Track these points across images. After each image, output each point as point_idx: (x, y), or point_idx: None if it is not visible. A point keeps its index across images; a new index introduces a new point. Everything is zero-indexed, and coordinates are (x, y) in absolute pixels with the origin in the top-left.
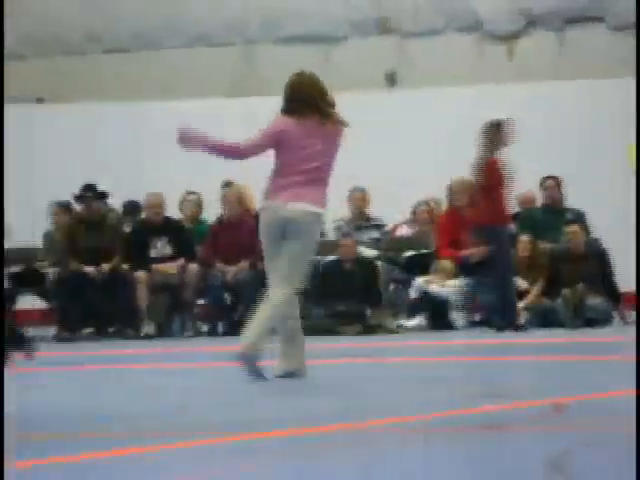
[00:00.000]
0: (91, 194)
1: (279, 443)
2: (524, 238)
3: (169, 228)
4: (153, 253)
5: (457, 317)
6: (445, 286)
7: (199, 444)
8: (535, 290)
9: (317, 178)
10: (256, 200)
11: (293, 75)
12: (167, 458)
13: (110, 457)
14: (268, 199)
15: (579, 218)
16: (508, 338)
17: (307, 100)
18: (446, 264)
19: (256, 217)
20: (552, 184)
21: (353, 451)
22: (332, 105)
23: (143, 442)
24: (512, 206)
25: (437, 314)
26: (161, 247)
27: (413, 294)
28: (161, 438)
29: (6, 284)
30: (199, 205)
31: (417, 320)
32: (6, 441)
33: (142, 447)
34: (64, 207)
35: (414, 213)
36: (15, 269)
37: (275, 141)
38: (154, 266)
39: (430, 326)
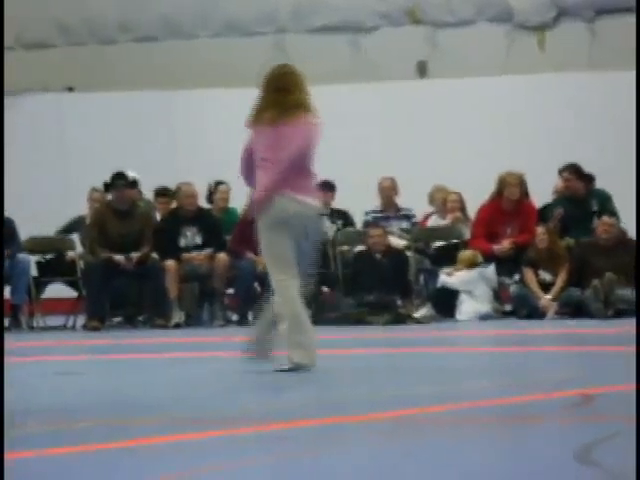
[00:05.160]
0: (122, 182)
1: (300, 432)
2: (540, 229)
3: (200, 218)
4: (183, 242)
5: (466, 308)
6: (454, 276)
7: (227, 433)
8: (559, 281)
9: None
10: None
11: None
12: (194, 446)
13: (137, 445)
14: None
15: (606, 202)
16: (537, 328)
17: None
18: (467, 254)
19: None
20: (567, 175)
21: (384, 442)
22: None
23: (171, 430)
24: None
25: (445, 304)
26: (191, 236)
27: (439, 284)
28: (190, 426)
29: (35, 272)
30: (228, 195)
31: (424, 310)
32: (37, 428)
33: (169, 435)
34: (102, 193)
35: (444, 203)
36: (44, 257)
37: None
38: (184, 255)
39: (438, 317)
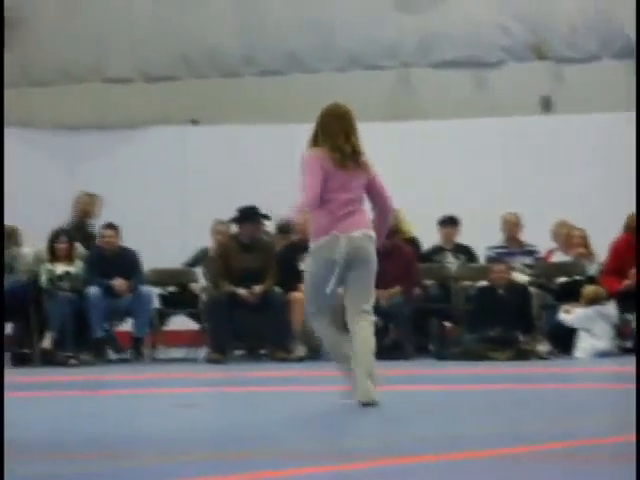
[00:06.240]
0: (258, 216)
1: (413, 468)
2: None
3: None
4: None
5: (584, 345)
6: (572, 314)
7: (340, 468)
8: None
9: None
10: (409, 225)
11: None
12: None
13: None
14: None
15: None
16: None
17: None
18: (590, 290)
19: (410, 241)
20: None
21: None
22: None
23: (281, 465)
24: None
25: (564, 341)
26: None
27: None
28: (302, 461)
29: (158, 304)
30: None
31: (543, 346)
32: (148, 460)
33: (279, 470)
34: (226, 225)
35: (567, 239)
36: (167, 290)
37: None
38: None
39: (557, 353)
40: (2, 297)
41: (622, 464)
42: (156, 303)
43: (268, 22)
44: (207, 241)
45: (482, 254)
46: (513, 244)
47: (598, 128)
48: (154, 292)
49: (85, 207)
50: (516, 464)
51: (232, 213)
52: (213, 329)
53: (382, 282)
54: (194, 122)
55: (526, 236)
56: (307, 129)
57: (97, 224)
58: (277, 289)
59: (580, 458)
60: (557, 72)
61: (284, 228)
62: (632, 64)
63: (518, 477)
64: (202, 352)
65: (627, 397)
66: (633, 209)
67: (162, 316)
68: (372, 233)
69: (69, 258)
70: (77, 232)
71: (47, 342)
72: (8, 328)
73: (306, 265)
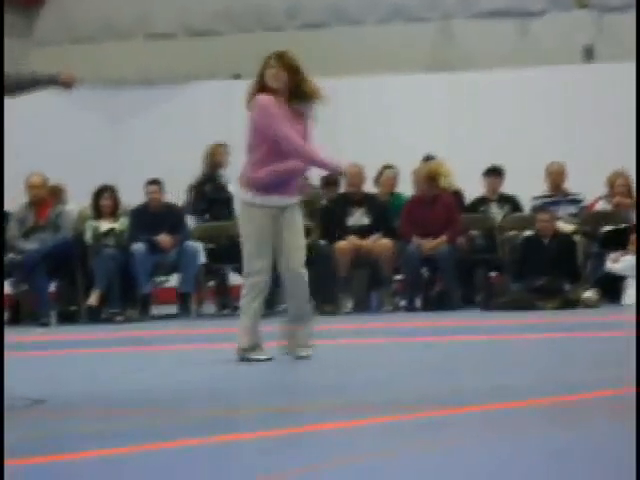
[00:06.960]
0: None
1: (457, 419)
2: None
3: (367, 200)
4: (350, 221)
5: (631, 292)
6: (619, 262)
7: (385, 420)
8: None
9: None
10: (453, 176)
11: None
12: (347, 434)
13: (303, 432)
14: None
15: None
16: None
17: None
18: (635, 239)
19: (455, 193)
20: None
21: (542, 428)
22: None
23: (326, 418)
24: None
25: (612, 289)
26: (359, 216)
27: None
28: (348, 414)
29: (204, 259)
30: (394, 180)
31: (590, 294)
32: (199, 415)
33: (333, 422)
34: None
35: (611, 187)
36: (214, 244)
37: None
38: (351, 238)
39: (605, 301)
40: (2, 283)
41: None
42: (203, 258)
43: None
44: None
45: (527, 204)
46: (558, 193)
47: None
48: (200, 247)
49: (217, 158)
50: (563, 413)
51: None
52: None
53: (426, 231)
54: (237, 77)
55: (573, 185)
56: (350, 82)
57: (226, 174)
58: (322, 242)
59: (626, 406)
60: (599, 21)
61: (330, 180)
62: None
63: (565, 426)
64: None
65: None
66: None
67: (209, 271)
68: None
69: (114, 215)
70: (209, 183)
71: (93, 299)
72: (53, 286)
73: (300, 217)
